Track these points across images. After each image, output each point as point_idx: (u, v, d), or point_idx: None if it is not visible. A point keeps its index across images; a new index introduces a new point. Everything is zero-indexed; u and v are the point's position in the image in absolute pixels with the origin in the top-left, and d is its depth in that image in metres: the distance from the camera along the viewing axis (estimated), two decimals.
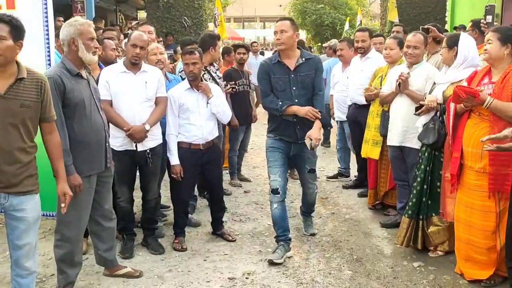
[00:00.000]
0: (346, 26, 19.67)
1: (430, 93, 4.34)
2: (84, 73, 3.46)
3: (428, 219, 4.25)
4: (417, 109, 4.26)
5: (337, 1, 22.21)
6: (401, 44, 5.12)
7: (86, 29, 3.40)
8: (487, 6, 4.48)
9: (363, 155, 5.43)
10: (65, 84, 3.29)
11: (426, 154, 4.20)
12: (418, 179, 4.23)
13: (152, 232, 4.49)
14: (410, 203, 4.28)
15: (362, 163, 6.01)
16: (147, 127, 4.08)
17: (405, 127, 4.59)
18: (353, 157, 6.49)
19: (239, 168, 6.72)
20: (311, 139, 4.02)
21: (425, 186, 4.21)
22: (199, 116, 4.38)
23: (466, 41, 4.12)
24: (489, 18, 4.42)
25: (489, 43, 3.57)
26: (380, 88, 5.04)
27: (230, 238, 4.64)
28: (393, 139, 4.73)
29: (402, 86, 4.54)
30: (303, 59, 4.17)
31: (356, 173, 6.38)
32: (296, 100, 4.14)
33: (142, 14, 17.84)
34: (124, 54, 4.43)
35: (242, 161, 6.87)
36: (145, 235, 4.48)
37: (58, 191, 3.10)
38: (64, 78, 3.30)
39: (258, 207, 5.57)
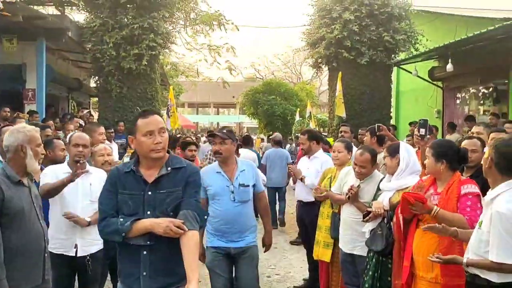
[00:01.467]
0: (297, 117, 20.26)
1: (375, 198, 4.40)
2: (26, 180, 3.32)
3: None
4: (364, 216, 4.29)
5: (287, 92, 23.04)
6: (348, 147, 5.27)
7: (34, 136, 3.34)
8: (420, 120, 4.76)
9: (315, 257, 5.36)
10: (4, 192, 3.14)
11: (373, 260, 4.19)
12: (366, 285, 4.19)
13: None
14: None
15: (314, 263, 5.96)
16: (88, 219, 3.97)
17: (354, 235, 4.58)
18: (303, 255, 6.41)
19: None
20: None
21: None
22: None
23: (406, 148, 4.33)
24: (422, 131, 4.66)
25: (427, 158, 3.70)
26: (330, 190, 5.09)
27: None
28: (343, 246, 4.72)
29: (352, 199, 4.57)
30: (169, 168, 2.81)
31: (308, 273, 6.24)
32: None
33: (95, 100, 17.86)
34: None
35: None
36: None
37: None
38: (4, 185, 3.16)
39: None
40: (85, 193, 4.03)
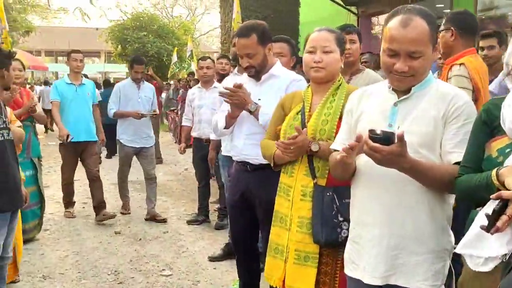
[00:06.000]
0: (174, 58, 16.99)
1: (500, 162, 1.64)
2: None
3: None
4: (490, 217, 1.41)
5: (162, 29, 19.39)
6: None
7: None
8: None
9: (271, 282, 2.48)
10: None
11: None
12: None
13: None
14: None
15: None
16: None
17: (396, 240, 1.80)
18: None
19: None
20: None
21: None
22: None
23: None
24: None
25: None
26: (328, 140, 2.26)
27: None
28: (363, 270, 1.89)
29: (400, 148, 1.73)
30: None
31: None
32: None
33: None
34: None
35: None
36: None
37: None
38: None
39: None
40: None
